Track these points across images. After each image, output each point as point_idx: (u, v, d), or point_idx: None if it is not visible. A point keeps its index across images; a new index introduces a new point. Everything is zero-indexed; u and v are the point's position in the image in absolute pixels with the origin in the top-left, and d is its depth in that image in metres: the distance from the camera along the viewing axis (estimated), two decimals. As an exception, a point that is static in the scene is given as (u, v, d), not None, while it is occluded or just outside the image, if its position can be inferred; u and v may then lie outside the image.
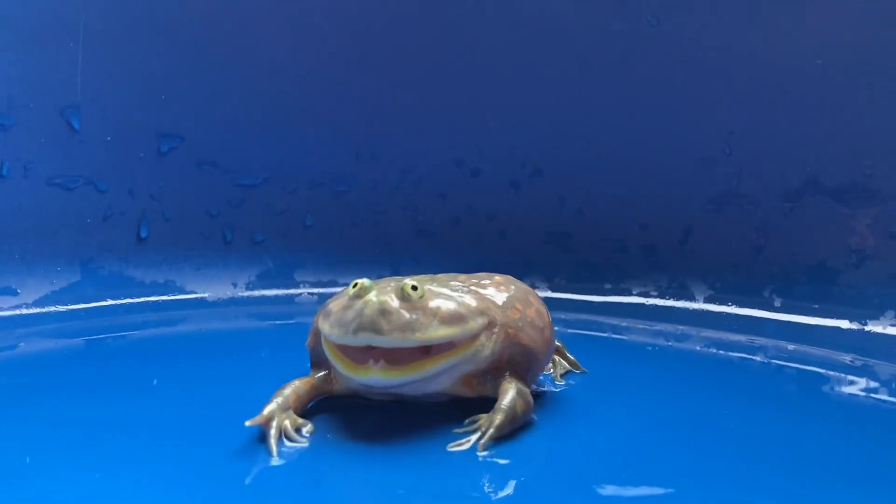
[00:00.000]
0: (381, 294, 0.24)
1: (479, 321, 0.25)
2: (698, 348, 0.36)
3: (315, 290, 0.44)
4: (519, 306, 0.27)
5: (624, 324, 0.36)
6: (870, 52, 0.41)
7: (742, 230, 0.43)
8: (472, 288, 0.27)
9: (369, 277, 0.26)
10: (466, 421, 0.25)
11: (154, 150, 0.43)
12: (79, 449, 0.23)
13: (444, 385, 0.25)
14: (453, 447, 0.24)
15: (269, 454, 0.23)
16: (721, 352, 0.36)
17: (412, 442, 0.24)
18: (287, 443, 0.24)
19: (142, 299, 0.41)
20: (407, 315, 0.24)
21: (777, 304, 0.41)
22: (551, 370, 0.31)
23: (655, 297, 0.43)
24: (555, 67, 0.45)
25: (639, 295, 0.43)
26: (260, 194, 0.45)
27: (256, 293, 0.43)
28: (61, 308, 0.39)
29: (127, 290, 0.41)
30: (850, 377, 0.33)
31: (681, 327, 0.39)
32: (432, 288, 0.25)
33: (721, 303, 0.42)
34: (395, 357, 0.24)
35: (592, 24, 0.45)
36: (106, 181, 0.42)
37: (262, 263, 0.44)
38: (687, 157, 0.44)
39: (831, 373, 0.33)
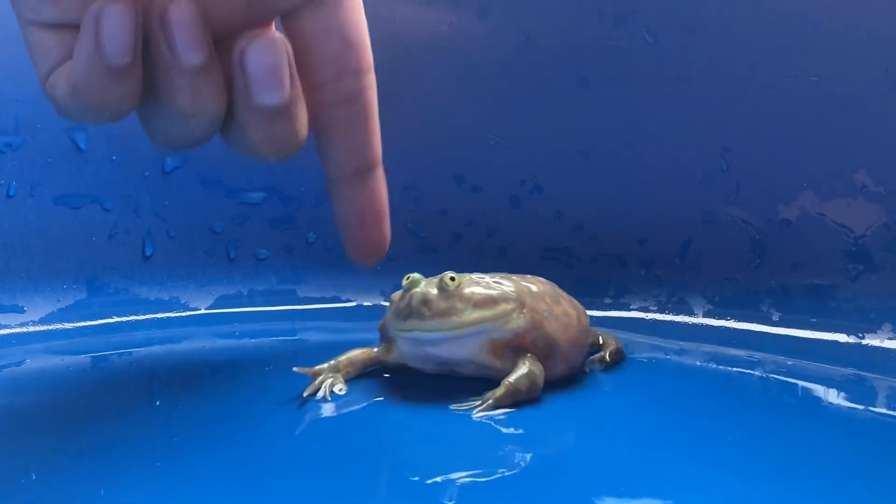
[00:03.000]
0: (425, 286, 0.29)
1: (511, 304, 0.29)
2: (697, 362, 0.36)
3: (318, 307, 0.44)
4: (548, 300, 0.31)
5: (623, 338, 0.37)
6: (865, 68, 0.41)
7: (740, 245, 0.43)
8: (514, 279, 0.31)
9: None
10: (472, 398, 0.28)
11: (159, 168, 0.44)
12: (85, 466, 0.24)
13: (473, 348, 0.29)
14: (455, 407, 0.28)
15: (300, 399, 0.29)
16: (720, 366, 0.36)
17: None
18: (319, 395, 0.29)
19: (147, 316, 0.42)
20: (444, 303, 0.28)
21: (775, 318, 0.41)
22: (598, 360, 0.34)
23: (655, 311, 0.43)
24: (554, 85, 0.46)
25: (638, 310, 0.43)
26: (263, 212, 0.45)
27: (260, 309, 0.43)
28: (67, 325, 0.40)
29: (132, 307, 0.42)
30: (849, 391, 0.33)
31: (680, 342, 0.39)
32: (472, 277, 0.30)
33: (720, 317, 0.42)
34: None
35: (591, 41, 0.45)
36: (111, 200, 0.43)
37: (266, 280, 0.45)
38: (685, 173, 0.44)
39: (829, 387, 0.33)
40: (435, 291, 0.29)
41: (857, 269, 0.41)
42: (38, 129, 0.41)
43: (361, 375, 0.32)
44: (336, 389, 0.30)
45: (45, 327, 0.39)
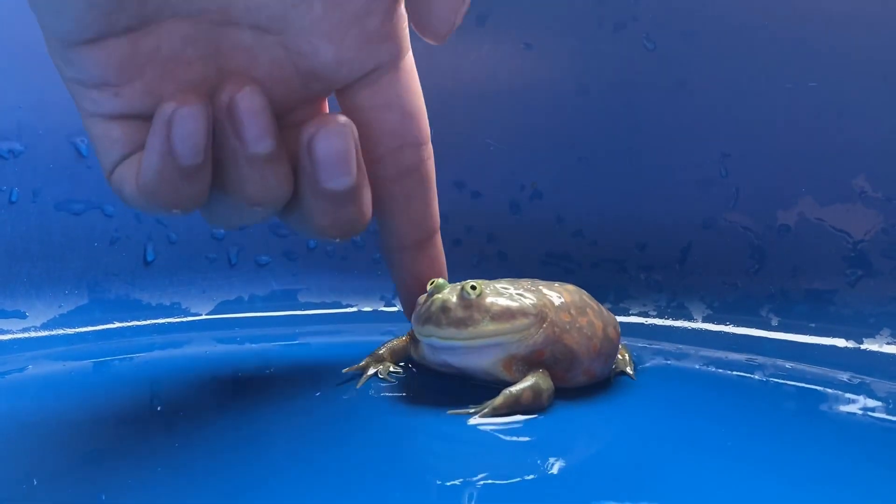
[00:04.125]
0: (447, 293, 0.29)
1: (529, 319, 0.29)
2: (697, 367, 0.36)
3: (319, 312, 0.44)
4: (573, 311, 0.30)
5: (623, 343, 0.37)
6: (863, 74, 0.42)
7: (739, 250, 0.43)
8: (539, 289, 0.30)
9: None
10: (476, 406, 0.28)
11: (160, 174, 0.44)
12: (87, 471, 0.24)
13: (488, 360, 0.29)
14: (452, 412, 0.28)
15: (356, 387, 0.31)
16: (719, 370, 0.36)
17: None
18: (380, 375, 0.32)
19: (148, 322, 0.42)
20: (462, 312, 0.28)
21: (774, 323, 0.41)
22: (619, 367, 0.34)
23: (654, 316, 0.43)
24: (553, 91, 0.46)
25: (638, 314, 0.43)
26: (264, 217, 0.45)
27: (261, 314, 0.44)
28: (69, 331, 0.40)
29: (134, 312, 0.42)
30: (848, 395, 0.33)
31: (679, 346, 0.39)
32: (496, 287, 0.29)
33: (719, 322, 0.42)
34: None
35: (590, 48, 0.45)
36: (113, 205, 0.43)
37: (267, 285, 0.45)
38: (684, 178, 0.44)
39: (829, 391, 0.33)
40: (455, 300, 0.28)
41: (856, 274, 0.41)
42: (40, 135, 0.41)
43: (376, 378, 0.32)
44: (389, 372, 0.32)
45: (46, 333, 0.39)
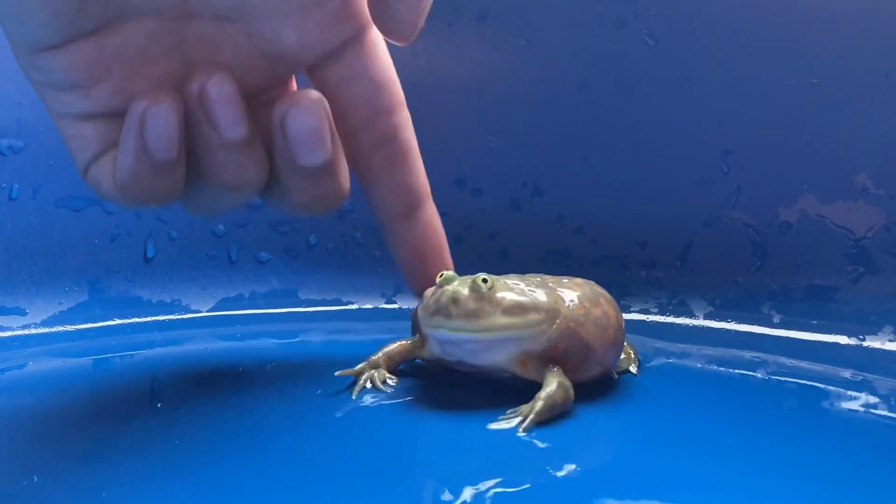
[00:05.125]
0: (458, 285, 0.28)
1: (541, 314, 0.28)
2: (698, 364, 0.36)
3: (319, 309, 0.44)
4: (586, 304, 0.30)
5: (628, 341, 0.37)
6: (865, 71, 0.41)
7: (741, 247, 0.43)
8: (550, 285, 0.30)
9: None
10: (508, 411, 0.27)
11: (161, 171, 0.44)
12: (87, 468, 0.24)
13: (501, 357, 0.29)
14: (494, 427, 0.27)
15: (351, 397, 0.30)
16: (721, 368, 0.36)
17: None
18: (368, 385, 0.30)
19: (149, 318, 0.42)
20: (473, 305, 0.28)
21: (776, 320, 0.41)
22: (623, 366, 0.33)
23: (656, 313, 0.43)
24: (554, 88, 0.46)
25: (639, 312, 0.43)
26: (264, 214, 0.45)
27: (262, 311, 0.44)
28: (69, 328, 0.40)
29: (134, 309, 0.42)
30: (850, 392, 0.33)
31: (681, 344, 0.39)
32: (507, 281, 0.29)
33: (721, 319, 0.42)
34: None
35: (591, 44, 0.45)
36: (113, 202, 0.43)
37: (268, 282, 0.45)
38: (685, 175, 0.44)
39: (831, 388, 0.33)
40: (466, 291, 0.28)
41: (858, 271, 0.41)
42: (41, 132, 0.41)
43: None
44: (384, 381, 0.31)
45: (46, 329, 0.39)
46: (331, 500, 0.22)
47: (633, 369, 0.34)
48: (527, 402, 0.28)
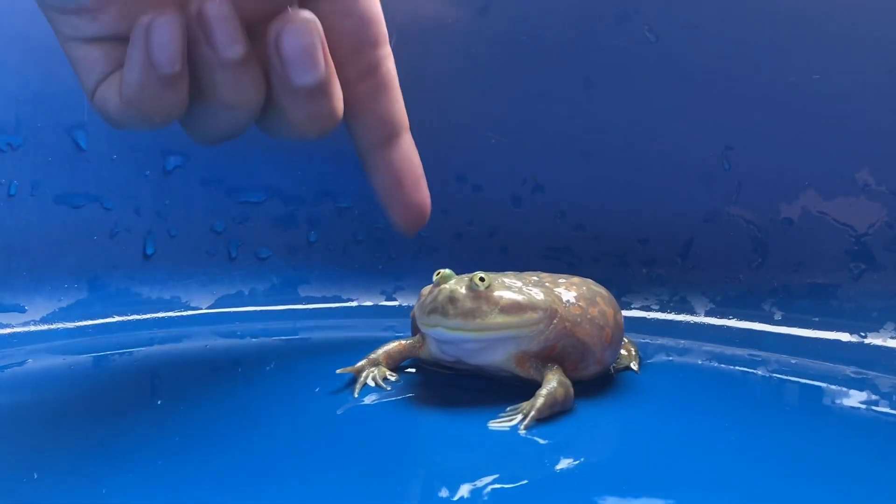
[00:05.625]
0: (455, 284, 0.28)
1: (538, 313, 0.28)
2: (699, 362, 0.36)
3: (319, 306, 0.44)
4: (583, 304, 0.30)
5: (629, 338, 0.37)
6: (867, 67, 0.41)
7: (742, 244, 0.43)
8: (547, 284, 0.30)
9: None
10: (508, 409, 0.28)
11: (160, 168, 0.44)
12: (87, 465, 0.24)
13: (499, 356, 0.29)
14: (494, 425, 0.27)
15: (353, 394, 0.30)
16: (722, 365, 0.36)
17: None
18: (370, 383, 0.30)
19: (148, 315, 0.42)
20: (470, 303, 0.28)
21: (777, 317, 0.41)
22: (624, 363, 0.34)
23: (656, 310, 0.43)
24: (555, 84, 0.45)
25: (640, 309, 0.43)
26: (264, 211, 0.45)
27: (261, 309, 0.43)
28: (69, 325, 0.40)
29: (133, 306, 0.42)
30: (851, 390, 0.33)
31: (682, 341, 0.39)
32: (504, 280, 0.29)
33: (722, 316, 0.42)
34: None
35: (592, 40, 0.45)
36: (112, 199, 0.43)
37: (267, 279, 0.45)
38: (686, 172, 0.44)
39: (832, 385, 0.33)
40: (463, 290, 0.28)
41: (860, 267, 0.41)
42: (39, 128, 0.41)
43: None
44: (385, 378, 0.31)
45: (46, 327, 0.39)
46: (331, 497, 0.22)
47: (633, 366, 0.34)
48: (526, 399, 0.28)
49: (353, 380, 0.31)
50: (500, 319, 0.28)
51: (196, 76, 0.27)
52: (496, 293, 0.28)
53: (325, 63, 0.27)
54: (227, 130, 0.29)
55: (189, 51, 0.26)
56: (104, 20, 0.26)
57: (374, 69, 0.31)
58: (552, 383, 0.28)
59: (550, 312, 0.29)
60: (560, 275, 0.32)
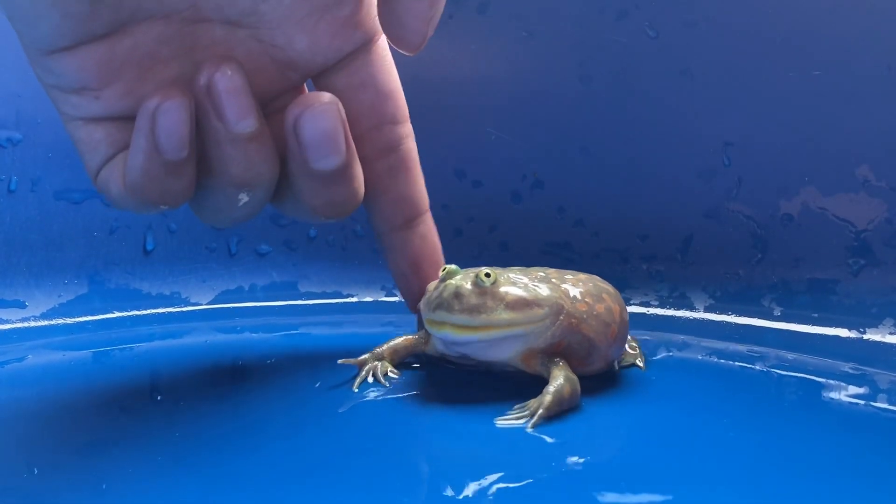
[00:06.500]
0: (460, 279, 0.28)
1: (544, 310, 0.28)
2: (699, 357, 0.36)
3: (319, 302, 0.44)
4: (589, 300, 0.30)
5: (633, 336, 0.37)
6: (867, 63, 0.41)
7: (741, 240, 0.43)
8: (553, 280, 0.30)
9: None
10: (516, 406, 0.27)
11: (160, 163, 0.44)
12: (87, 461, 0.24)
13: (505, 354, 0.29)
14: (502, 423, 0.26)
15: (352, 390, 0.29)
16: (721, 361, 0.36)
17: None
18: (370, 379, 0.30)
19: (148, 311, 0.42)
20: (476, 299, 0.27)
21: (777, 313, 0.41)
22: (629, 360, 0.33)
23: (656, 306, 0.43)
24: (555, 79, 0.45)
25: (639, 304, 0.43)
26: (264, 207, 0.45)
27: (261, 304, 0.44)
28: (69, 320, 0.40)
29: (133, 302, 0.42)
30: (850, 386, 0.33)
31: (681, 337, 0.39)
32: (510, 276, 0.29)
33: (721, 312, 0.42)
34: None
35: (592, 36, 0.45)
36: (112, 195, 0.43)
37: (267, 275, 0.45)
38: (686, 168, 0.44)
39: (831, 381, 0.33)
40: (469, 286, 0.28)
41: (859, 263, 0.41)
42: (39, 124, 0.41)
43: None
44: (386, 374, 0.31)
45: (46, 322, 0.39)
46: (331, 494, 0.22)
47: (639, 363, 0.33)
48: (532, 395, 0.28)
49: (356, 374, 0.31)
50: (505, 316, 0.28)
51: (205, 154, 0.25)
52: (502, 289, 0.28)
53: (346, 146, 0.26)
54: (240, 211, 0.27)
55: (197, 127, 0.25)
56: (108, 99, 0.25)
57: (393, 148, 0.30)
58: (559, 380, 0.28)
59: (556, 309, 0.29)
60: (567, 271, 0.32)
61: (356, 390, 0.30)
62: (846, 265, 0.41)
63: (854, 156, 0.41)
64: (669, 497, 0.22)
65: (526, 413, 0.27)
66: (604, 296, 0.31)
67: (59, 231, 0.41)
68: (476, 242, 0.46)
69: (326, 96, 0.26)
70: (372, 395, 0.29)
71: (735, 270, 0.43)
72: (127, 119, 0.26)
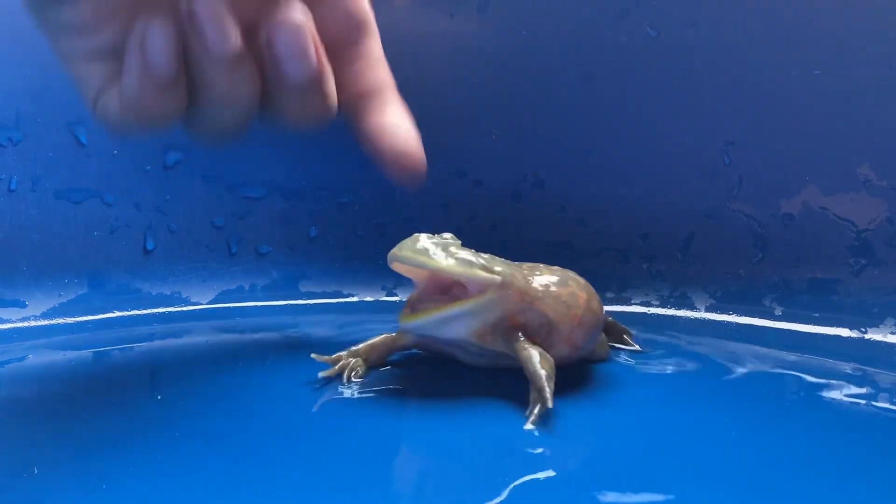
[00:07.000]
0: (423, 235, 0.29)
1: (489, 277, 0.28)
2: (700, 357, 0.36)
3: (320, 301, 0.44)
4: (548, 282, 0.30)
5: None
6: (868, 62, 0.41)
7: (742, 239, 0.43)
8: (523, 267, 0.31)
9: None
10: (527, 412, 0.27)
11: (160, 163, 0.44)
12: (87, 460, 0.24)
13: (460, 333, 0.29)
14: (532, 423, 0.26)
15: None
16: (722, 360, 0.36)
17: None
18: (346, 378, 0.30)
19: (148, 311, 0.42)
20: (429, 246, 0.28)
21: (778, 312, 0.41)
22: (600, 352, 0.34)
23: (657, 306, 0.43)
24: (556, 79, 0.45)
25: (640, 304, 0.43)
26: (264, 206, 0.45)
27: (262, 304, 0.43)
28: (69, 320, 0.40)
29: (134, 301, 0.42)
30: (851, 386, 0.33)
31: (682, 336, 0.39)
32: (473, 251, 0.29)
33: (722, 312, 0.42)
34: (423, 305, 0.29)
35: (593, 35, 0.45)
36: (112, 194, 0.43)
37: (268, 275, 0.45)
38: (687, 167, 0.44)
39: (832, 381, 0.33)
40: (429, 239, 0.29)
41: (860, 263, 0.41)
42: (40, 124, 0.41)
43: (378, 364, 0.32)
44: (354, 376, 0.31)
45: (46, 322, 0.39)
46: (331, 494, 0.22)
47: (627, 339, 0.36)
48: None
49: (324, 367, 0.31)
50: (448, 266, 0.28)
51: (192, 76, 0.27)
52: (455, 249, 0.29)
53: (317, 59, 0.28)
54: (227, 129, 0.29)
55: (184, 51, 0.27)
56: (103, 36, 0.27)
57: (362, 56, 0.32)
58: (531, 356, 0.28)
59: (504, 282, 0.29)
60: (538, 264, 0.32)
61: (321, 376, 0.30)
62: (847, 265, 0.41)
63: (855, 155, 0.41)
64: (670, 497, 0.22)
65: (541, 406, 0.27)
66: (570, 282, 0.31)
67: (60, 230, 0.41)
68: (476, 241, 0.45)
69: (296, 13, 0.27)
70: (372, 394, 0.29)
71: (736, 270, 0.43)
72: (121, 55, 0.27)
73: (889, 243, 0.41)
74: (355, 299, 0.45)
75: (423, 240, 0.29)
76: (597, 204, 0.45)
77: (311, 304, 0.44)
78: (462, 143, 0.46)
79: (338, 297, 0.44)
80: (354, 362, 0.31)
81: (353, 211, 0.46)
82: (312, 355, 0.31)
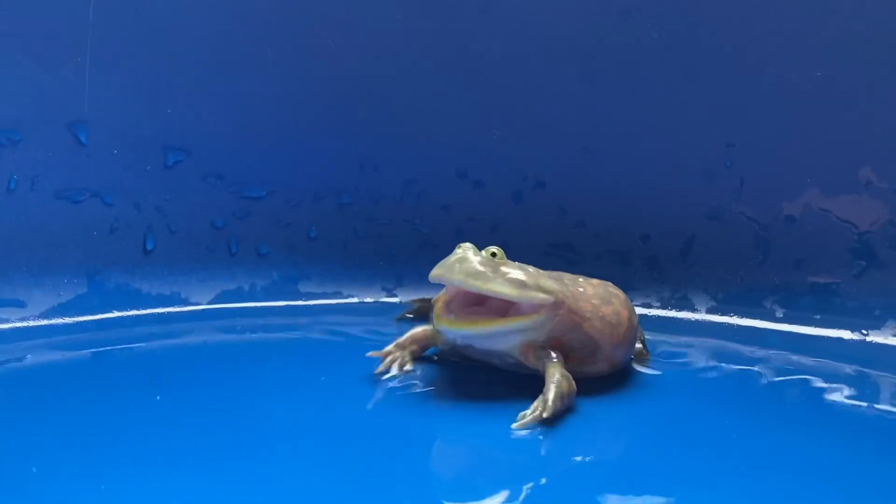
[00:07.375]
0: (471, 252, 0.29)
1: (541, 296, 0.28)
2: (701, 359, 0.36)
3: (319, 302, 0.44)
4: (595, 301, 0.31)
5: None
6: (870, 64, 0.41)
7: (744, 242, 0.43)
8: (565, 281, 0.31)
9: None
10: (519, 415, 0.27)
11: (160, 163, 0.44)
12: (85, 461, 0.24)
13: (504, 347, 0.29)
14: (518, 427, 0.26)
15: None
16: (723, 363, 0.36)
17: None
18: (395, 369, 0.31)
19: (148, 311, 0.41)
20: (479, 268, 0.28)
21: (779, 315, 0.41)
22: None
23: (658, 308, 0.43)
24: (557, 80, 0.45)
25: (641, 306, 0.43)
26: (265, 207, 0.45)
27: (261, 305, 0.43)
28: (68, 320, 0.40)
29: (133, 302, 0.42)
30: (852, 388, 0.33)
31: (683, 338, 0.39)
32: (520, 264, 0.29)
33: (723, 314, 0.42)
34: (469, 316, 0.29)
35: (595, 36, 0.45)
36: (112, 194, 0.43)
37: (268, 275, 0.45)
38: (688, 169, 0.44)
39: (833, 383, 0.33)
40: (475, 255, 0.29)
41: (862, 265, 0.41)
42: (40, 123, 0.41)
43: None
44: (405, 368, 0.31)
45: (45, 322, 0.39)
46: (331, 494, 0.22)
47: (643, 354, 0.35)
48: (533, 394, 0.28)
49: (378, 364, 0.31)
50: (499, 287, 0.28)
51: None
52: (505, 268, 0.29)
53: None
54: None
55: None
56: None
57: None
58: (556, 377, 0.28)
59: (557, 301, 0.29)
60: (581, 276, 0.32)
61: (377, 372, 0.31)
62: (849, 267, 0.41)
63: (856, 157, 0.41)
64: (671, 498, 0.22)
65: (537, 414, 0.27)
66: (613, 300, 0.31)
67: (59, 230, 0.41)
68: (477, 242, 0.45)
69: None
70: (373, 394, 0.29)
71: (737, 272, 0.43)
72: None
73: (890, 245, 0.41)
74: (355, 300, 0.45)
75: (473, 260, 0.28)
76: (598, 205, 0.45)
77: (310, 304, 0.44)
78: (462, 144, 0.46)
79: (338, 298, 0.44)
80: (402, 354, 0.32)
81: (354, 212, 0.46)
82: (368, 354, 0.32)
